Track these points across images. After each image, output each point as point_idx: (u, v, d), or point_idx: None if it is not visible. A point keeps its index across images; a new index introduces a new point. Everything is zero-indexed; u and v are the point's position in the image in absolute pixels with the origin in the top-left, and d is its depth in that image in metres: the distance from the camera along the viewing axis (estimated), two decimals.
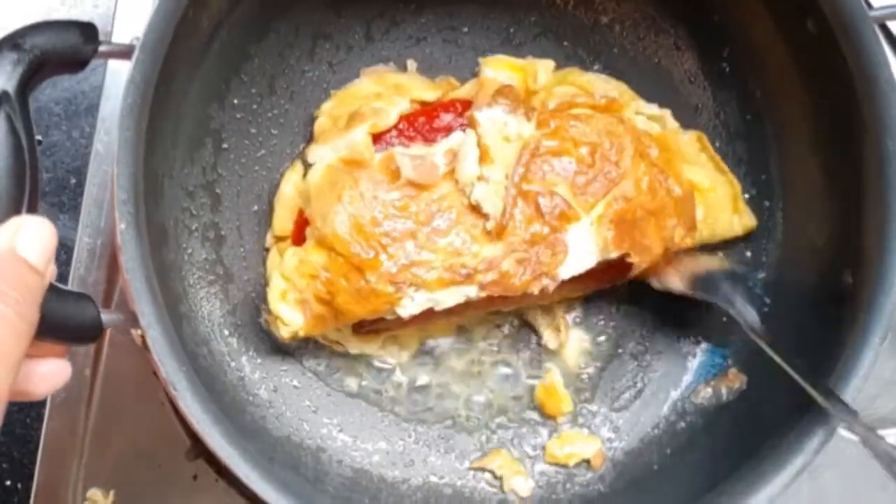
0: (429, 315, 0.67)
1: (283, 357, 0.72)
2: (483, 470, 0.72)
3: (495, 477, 0.72)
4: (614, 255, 0.67)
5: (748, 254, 0.75)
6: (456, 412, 0.73)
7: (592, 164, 0.66)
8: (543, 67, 0.71)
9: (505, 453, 0.72)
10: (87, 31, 0.56)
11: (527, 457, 0.73)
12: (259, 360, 0.71)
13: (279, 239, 0.70)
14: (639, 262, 0.68)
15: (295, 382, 0.72)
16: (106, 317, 0.54)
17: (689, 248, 0.72)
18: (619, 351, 0.75)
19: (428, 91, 0.71)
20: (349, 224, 0.64)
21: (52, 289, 0.49)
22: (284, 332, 0.66)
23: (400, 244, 0.64)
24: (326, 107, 0.71)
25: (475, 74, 0.72)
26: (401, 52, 0.74)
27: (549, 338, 0.74)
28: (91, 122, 0.75)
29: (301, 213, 0.68)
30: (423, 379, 0.73)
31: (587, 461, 0.72)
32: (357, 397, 0.73)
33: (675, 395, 0.74)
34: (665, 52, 0.75)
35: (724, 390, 0.72)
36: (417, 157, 0.65)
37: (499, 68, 0.70)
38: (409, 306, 0.65)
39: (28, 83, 0.53)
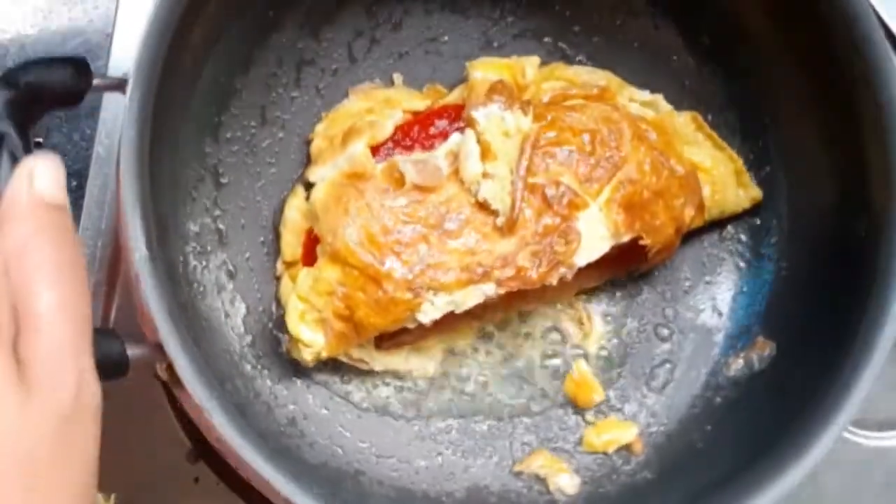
0: (450, 320, 0.66)
1: (308, 385, 0.71)
2: (526, 473, 0.71)
3: (539, 478, 0.71)
4: (626, 238, 0.66)
5: (757, 222, 0.75)
6: (489, 416, 0.72)
7: (593, 150, 0.66)
8: (529, 64, 0.71)
9: (546, 452, 0.71)
10: (80, 66, 0.56)
11: (567, 453, 0.72)
12: (285, 391, 0.70)
13: (289, 265, 0.69)
14: (651, 243, 0.67)
15: (324, 410, 0.71)
16: (132, 351, 0.54)
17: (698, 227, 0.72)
18: (645, 334, 0.75)
19: (417, 101, 0.71)
20: (360, 235, 0.63)
21: None
22: (307, 355, 0.65)
23: (413, 249, 0.64)
24: (320, 129, 0.71)
25: (461, 81, 0.72)
26: (385, 68, 0.74)
27: (573, 331, 0.73)
28: (92, 124, 0.74)
29: (308, 234, 0.68)
30: (450, 387, 0.72)
31: (627, 447, 0.71)
32: (387, 415, 0.71)
33: (707, 370, 0.74)
34: (645, 33, 0.74)
35: (755, 359, 0.71)
36: (419, 161, 0.65)
37: (486, 70, 0.70)
38: (430, 311, 0.64)
39: (26, 121, 0.53)
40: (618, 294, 0.75)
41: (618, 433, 0.71)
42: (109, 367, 0.53)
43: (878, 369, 0.61)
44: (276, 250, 0.71)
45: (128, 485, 0.71)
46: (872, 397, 0.77)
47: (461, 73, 0.73)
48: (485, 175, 0.65)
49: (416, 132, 0.68)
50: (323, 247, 0.65)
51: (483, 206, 0.65)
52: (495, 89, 0.67)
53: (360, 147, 0.66)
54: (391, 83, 0.74)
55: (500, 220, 0.64)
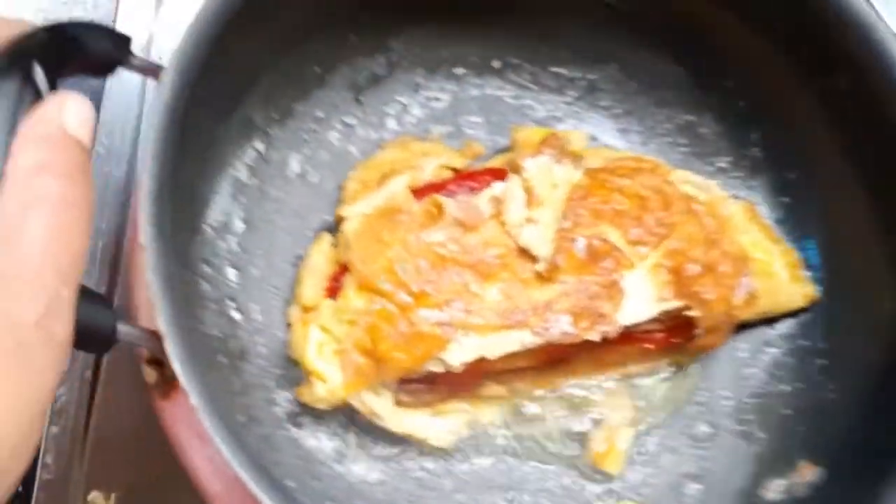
0: (476, 380, 0.60)
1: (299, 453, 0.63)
2: None
3: None
4: (674, 304, 0.62)
5: (804, 342, 0.69)
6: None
7: (642, 215, 0.63)
8: (577, 137, 0.69)
9: None
10: (121, 39, 0.54)
11: None
12: (276, 454, 0.62)
13: (306, 310, 0.63)
14: (701, 315, 0.62)
15: (315, 481, 0.62)
16: (123, 328, 0.48)
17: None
18: (678, 443, 0.67)
19: (455, 158, 0.68)
20: (393, 264, 0.59)
21: None
22: (322, 391, 0.58)
23: (447, 285, 0.59)
24: (353, 174, 0.68)
25: (503, 150, 0.70)
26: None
27: (608, 413, 0.66)
28: None
29: (334, 275, 0.63)
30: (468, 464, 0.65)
31: None
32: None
33: (741, 487, 0.66)
34: (697, 142, 0.73)
35: (796, 484, 0.63)
36: (461, 199, 0.62)
37: (528, 134, 0.68)
38: (458, 352, 0.58)
39: (56, 71, 0.50)
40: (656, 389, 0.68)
41: None
42: (95, 336, 0.46)
43: None
44: (287, 301, 0.66)
45: (129, 485, 0.70)
46: None
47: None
48: (528, 220, 0.61)
49: (456, 185, 0.65)
50: (352, 274, 0.60)
51: (524, 253, 0.60)
52: (547, 142, 0.64)
53: (399, 184, 0.63)
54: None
55: (541, 266, 0.60)
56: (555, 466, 0.66)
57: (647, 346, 0.65)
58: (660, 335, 0.64)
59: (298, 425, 0.63)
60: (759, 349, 0.70)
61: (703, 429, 0.68)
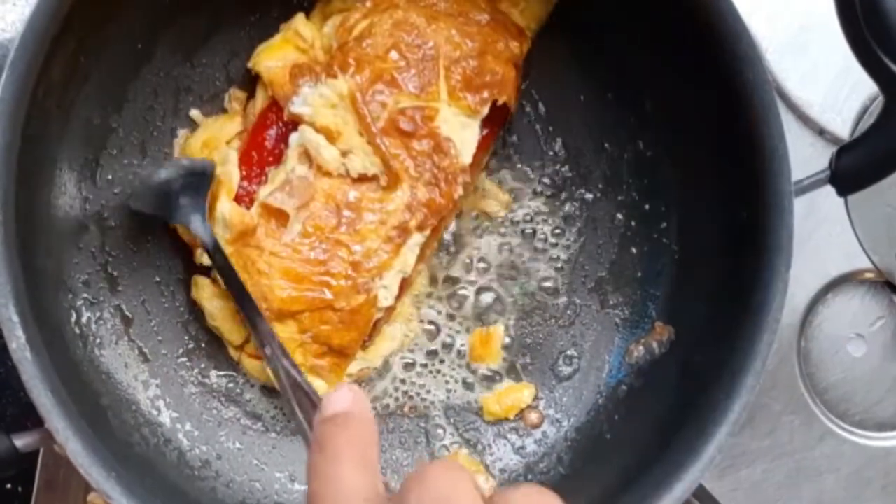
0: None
1: (219, 423, 0.70)
2: None
3: None
4: (485, 110, 0.67)
5: (646, 207, 0.75)
6: (406, 415, 0.74)
7: (407, 61, 0.66)
8: (300, 24, 0.69)
9: (462, 453, 0.73)
10: None
11: (481, 446, 0.74)
12: (196, 433, 0.69)
13: (241, 347, 0.70)
14: (507, 98, 0.68)
15: (237, 444, 0.70)
16: (21, 442, 0.54)
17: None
18: (549, 327, 0.76)
19: (230, 123, 0.70)
20: (288, 282, 0.64)
21: None
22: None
23: (336, 259, 0.65)
24: None
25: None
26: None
27: (495, 208, 0.75)
28: None
29: None
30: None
31: (525, 418, 0.73)
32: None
33: (610, 360, 0.75)
34: None
35: (654, 345, 0.72)
36: (284, 184, 0.65)
37: (268, 57, 0.68)
38: (387, 294, 0.66)
39: None
40: (522, 280, 0.76)
41: (515, 396, 0.73)
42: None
43: (770, 344, 0.61)
44: (172, 291, 0.71)
45: None
46: (874, 399, 0.80)
47: None
48: (344, 154, 0.65)
49: (256, 158, 0.68)
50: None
51: (363, 178, 0.65)
52: (295, 74, 0.66)
53: (226, 206, 0.65)
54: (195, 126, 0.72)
55: (384, 181, 0.65)
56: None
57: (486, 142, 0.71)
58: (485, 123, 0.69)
59: None
60: (610, 223, 0.76)
61: (565, 306, 0.76)
